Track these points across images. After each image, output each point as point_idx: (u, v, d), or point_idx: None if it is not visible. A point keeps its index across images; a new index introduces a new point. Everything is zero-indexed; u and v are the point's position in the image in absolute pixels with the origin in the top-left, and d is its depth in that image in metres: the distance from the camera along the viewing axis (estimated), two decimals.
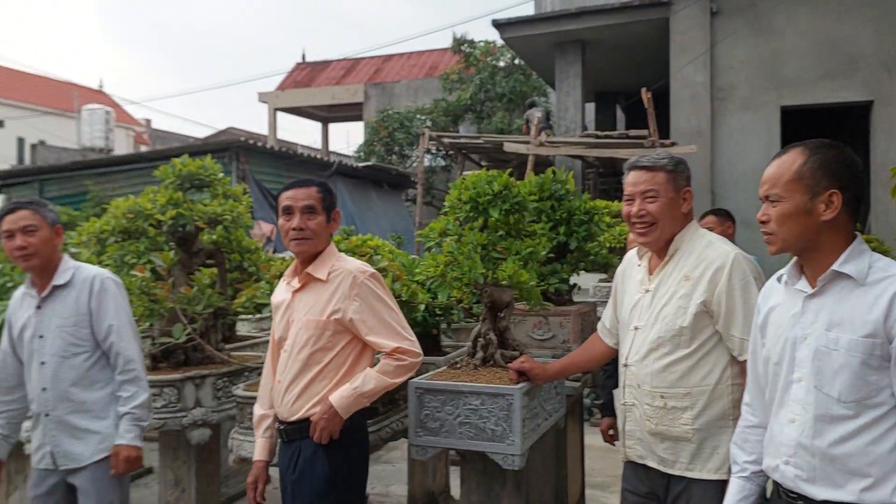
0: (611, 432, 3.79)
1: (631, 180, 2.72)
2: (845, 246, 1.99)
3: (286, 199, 2.86)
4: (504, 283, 3.23)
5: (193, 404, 3.89)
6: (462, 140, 15.19)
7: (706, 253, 2.60)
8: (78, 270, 3.22)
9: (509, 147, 12.31)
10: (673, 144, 11.00)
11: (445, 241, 3.38)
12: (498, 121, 18.74)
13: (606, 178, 15.18)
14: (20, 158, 33.29)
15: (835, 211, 1.98)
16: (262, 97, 27.18)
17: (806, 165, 2.01)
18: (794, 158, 2.04)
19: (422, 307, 3.86)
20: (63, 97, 38.36)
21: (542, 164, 12.58)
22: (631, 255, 2.90)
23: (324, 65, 29.34)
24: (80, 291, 3.16)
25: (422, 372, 3.43)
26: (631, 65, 14.05)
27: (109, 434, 3.13)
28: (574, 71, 13.11)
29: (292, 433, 2.84)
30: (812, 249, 2.04)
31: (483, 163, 16.07)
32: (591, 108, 16.38)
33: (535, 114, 12.92)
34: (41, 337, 3.14)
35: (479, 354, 3.31)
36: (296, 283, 2.89)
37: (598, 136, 12.14)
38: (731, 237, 4.91)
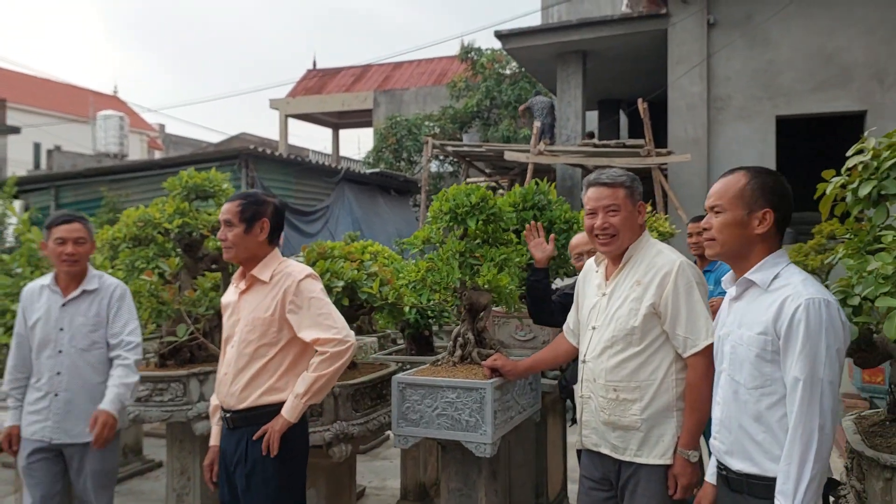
0: None
1: (592, 195, 2.95)
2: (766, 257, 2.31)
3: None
4: (484, 287, 3.49)
5: (198, 398, 4.20)
6: (465, 148, 15.47)
7: (656, 260, 2.85)
8: (102, 278, 3.73)
9: (510, 156, 12.56)
10: (669, 153, 11.23)
11: None
12: (504, 128, 18.93)
13: None
14: (36, 163, 33.63)
15: (766, 226, 2.31)
16: (274, 104, 27.37)
17: (748, 186, 2.34)
18: (738, 178, 2.37)
19: (407, 308, 4.12)
20: (78, 103, 38.80)
21: (542, 171, 12.83)
22: (590, 262, 3.16)
23: (334, 72, 29.61)
24: (103, 297, 3.68)
25: (409, 370, 3.72)
26: (631, 74, 14.26)
27: None
28: (575, 81, 13.32)
29: (239, 421, 3.03)
30: (742, 258, 2.37)
31: (487, 170, 16.31)
32: (595, 115, 16.62)
33: (535, 123, 13.12)
34: (61, 329, 3.57)
35: (458, 353, 3.58)
36: (242, 286, 3.15)
37: (595, 145, 12.34)
38: None
